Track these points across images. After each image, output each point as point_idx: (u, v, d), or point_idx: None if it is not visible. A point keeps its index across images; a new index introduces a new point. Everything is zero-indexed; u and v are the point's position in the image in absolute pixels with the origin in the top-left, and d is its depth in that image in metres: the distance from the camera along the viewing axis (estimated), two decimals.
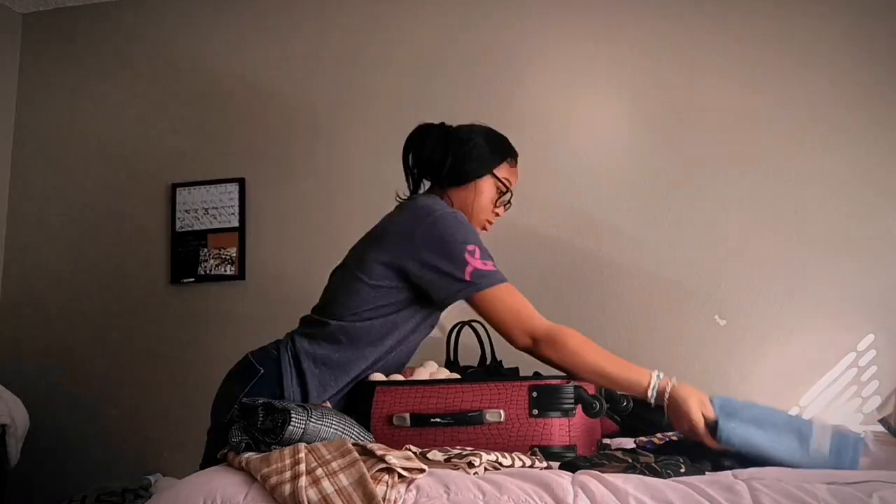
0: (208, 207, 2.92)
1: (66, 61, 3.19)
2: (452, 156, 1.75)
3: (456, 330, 1.99)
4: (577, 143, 2.61)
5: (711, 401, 1.44)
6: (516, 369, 2.01)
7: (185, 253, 2.92)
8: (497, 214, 1.82)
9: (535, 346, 1.55)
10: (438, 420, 1.48)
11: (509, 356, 2.12)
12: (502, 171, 1.78)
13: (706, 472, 1.26)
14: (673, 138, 2.53)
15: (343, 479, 1.13)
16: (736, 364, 2.37)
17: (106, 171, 3.07)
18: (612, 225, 2.54)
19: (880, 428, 1.78)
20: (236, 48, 2.99)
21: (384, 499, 1.10)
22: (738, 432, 1.36)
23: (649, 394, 1.47)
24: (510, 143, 1.84)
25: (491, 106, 2.68)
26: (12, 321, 3.08)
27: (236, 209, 2.89)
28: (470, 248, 1.57)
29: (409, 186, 1.82)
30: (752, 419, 1.38)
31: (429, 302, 1.64)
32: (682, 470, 1.24)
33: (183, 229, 2.93)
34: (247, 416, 1.33)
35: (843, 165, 2.39)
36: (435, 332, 1.83)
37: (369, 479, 1.12)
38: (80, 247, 3.05)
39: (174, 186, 2.96)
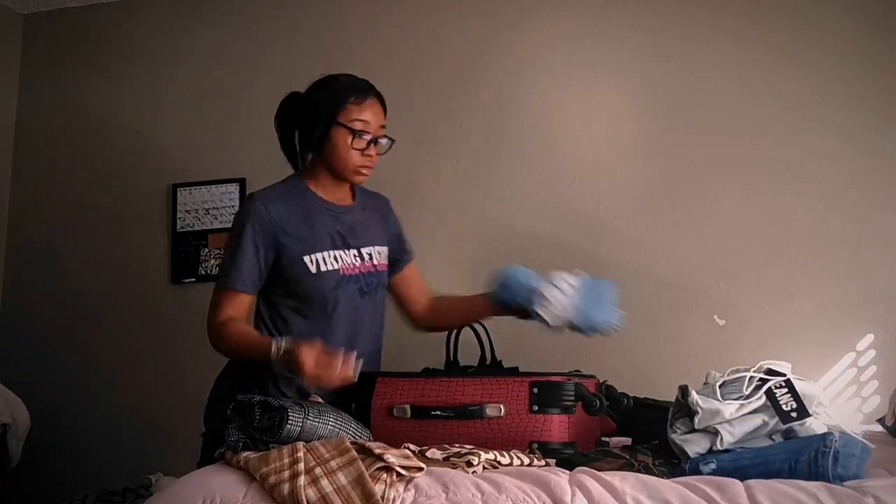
0: (209, 208, 2.92)
1: (67, 62, 3.19)
2: (300, 128, 1.73)
3: (455, 330, 1.99)
4: (578, 144, 2.61)
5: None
6: (516, 368, 2.01)
7: (186, 253, 2.92)
8: (369, 157, 1.72)
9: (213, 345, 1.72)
10: (439, 413, 1.48)
11: (509, 356, 2.12)
12: (347, 115, 1.67)
13: None
14: (673, 139, 2.53)
15: (342, 478, 1.14)
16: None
17: (106, 171, 3.07)
18: (613, 225, 2.53)
19: (879, 428, 1.78)
20: (236, 48, 2.99)
21: (383, 497, 1.10)
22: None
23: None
24: (351, 82, 1.72)
25: (491, 105, 2.68)
26: (14, 321, 3.08)
27: (237, 209, 2.89)
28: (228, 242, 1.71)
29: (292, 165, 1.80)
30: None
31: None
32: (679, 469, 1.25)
33: (183, 229, 2.93)
34: (243, 415, 1.33)
35: (844, 165, 2.39)
36: None
37: (368, 478, 1.12)
38: (81, 247, 3.05)
39: (175, 186, 2.96)
